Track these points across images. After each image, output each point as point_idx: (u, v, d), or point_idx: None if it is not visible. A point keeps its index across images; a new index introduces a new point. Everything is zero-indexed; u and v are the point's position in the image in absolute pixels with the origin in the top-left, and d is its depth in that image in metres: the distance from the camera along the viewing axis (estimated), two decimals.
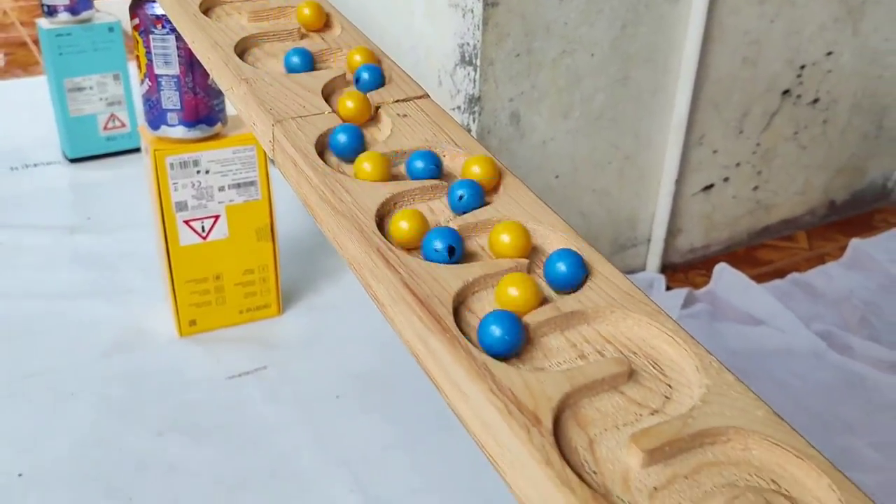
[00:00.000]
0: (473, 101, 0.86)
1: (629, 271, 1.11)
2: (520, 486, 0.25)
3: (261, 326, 0.77)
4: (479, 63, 0.83)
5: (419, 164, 0.36)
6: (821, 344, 0.88)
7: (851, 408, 0.80)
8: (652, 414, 0.27)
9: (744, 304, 0.97)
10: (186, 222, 0.70)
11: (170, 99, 0.67)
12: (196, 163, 0.69)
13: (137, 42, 0.67)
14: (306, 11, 0.48)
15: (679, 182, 1.06)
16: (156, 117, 0.68)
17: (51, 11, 0.99)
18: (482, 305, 0.30)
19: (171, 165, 0.68)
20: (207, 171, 0.69)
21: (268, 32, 0.48)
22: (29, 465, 0.62)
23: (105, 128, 1.06)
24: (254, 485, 0.61)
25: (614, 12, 0.90)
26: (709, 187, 1.12)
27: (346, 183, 0.35)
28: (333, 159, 0.38)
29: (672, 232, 1.11)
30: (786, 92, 1.13)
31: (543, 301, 0.30)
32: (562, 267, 0.30)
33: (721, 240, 1.18)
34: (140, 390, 0.69)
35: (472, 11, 0.81)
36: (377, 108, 0.41)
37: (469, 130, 0.88)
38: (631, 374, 0.28)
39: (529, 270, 0.32)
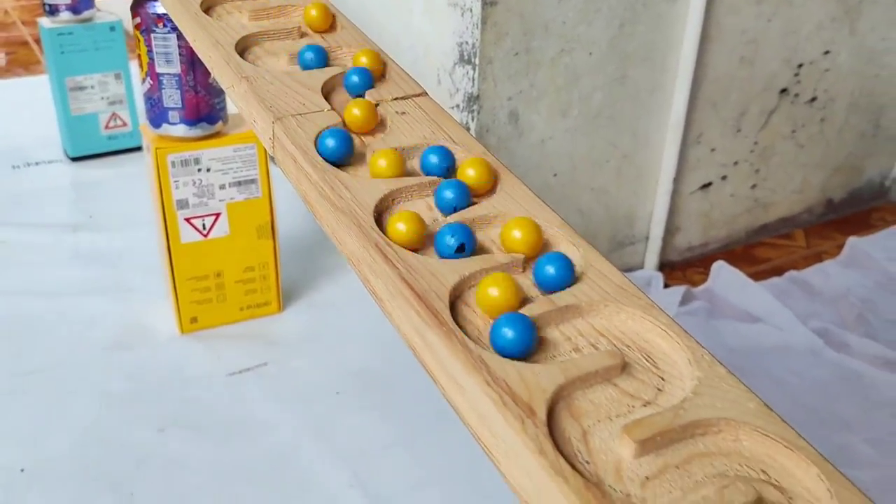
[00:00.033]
0: (472, 99, 0.86)
1: (627, 269, 1.11)
2: (514, 476, 0.26)
3: (261, 323, 0.77)
4: (477, 62, 0.84)
5: (433, 160, 0.36)
6: (818, 341, 0.89)
7: (848, 405, 0.80)
8: (644, 405, 0.28)
9: (741, 301, 0.98)
10: (187, 220, 0.71)
11: (171, 97, 0.68)
12: (197, 161, 0.69)
13: (139, 41, 0.67)
14: (313, 13, 0.48)
15: (677, 180, 1.07)
16: (157, 116, 0.69)
17: (52, 10, 0.99)
18: None
19: (173, 163, 0.69)
20: (208, 170, 0.70)
21: (268, 31, 0.49)
22: (31, 461, 0.62)
23: (106, 126, 1.06)
24: (254, 480, 0.62)
25: (612, 11, 0.90)
26: (707, 186, 1.13)
27: (344, 179, 0.35)
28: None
29: (670, 230, 1.11)
30: (783, 91, 1.13)
31: (524, 301, 0.30)
32: (550, 270, 0.31)
33: (719, 238, 1.19)
34: (141, 387, 0.70)
35: (471, 10, 0.82)
36: (376, 105, 0.42)
37: (468, 129, 0.88)
38: (624, 367, 0.29)
39: (526, 267, 0.33)
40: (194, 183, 0.70)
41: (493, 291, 0.29)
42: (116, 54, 1.03)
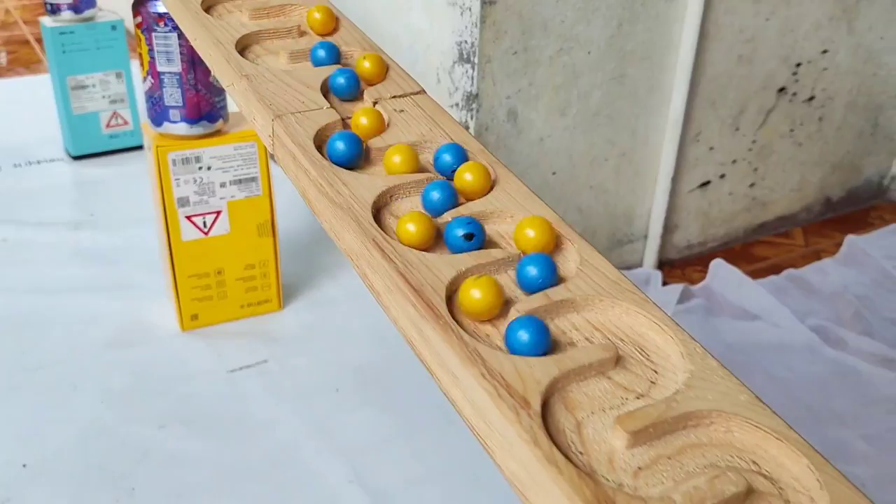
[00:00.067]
0: (471, 98, 0.87)
1: (626, 267, 1.12)
2: (509, 466, 0.26)
3: (261, 321, 0.78)
4: (476, 60, 0.84)
5: (447, 158, 0.37)
6: (815, 338, 0.89)
7: (844, 401, 0.81)
8: (638, 398, 0.28)
9: (739, 299, 0.98)
10: (188, 218, 0.71)
11: (172, 96, 0.68)
12: (198, 159, 0.70)
13: (140, 39, 0.68)
14: (317, 15, 0.48)
15: (675, 179, 1.07)
16: (158, 114, 0.69)
17: (54, 9, 1.00)
18: None
19: (174, 162, 0.69)
20: (209, 168, 0.70)
21: (268, 30, 0.49)
22: (33, 456, 0.62)
23: (108, 125, 1.07)
24: (254, 476, 0.62)
25: (611, 10, 0.91)
26: (705, 184, 1.13)
27: (343, 176, 0.36)
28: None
29: (669, 228, 1.12)
30: (781, 89, 1.13)
31: (506, 303, 0.30)
32: (532, 271, 0.31)
33: (717, 236, 1.19)
34: (142, 383, 0.70)
35: (470, 9, 0.82)
36: (374, 102, 0.42)
37: (467, 127, 0.89)
38: (618, 360, 0.29)
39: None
40: (195, 181, 0.70)
41: (475, 294, 0.29)
42: (118, 53, 1.03)
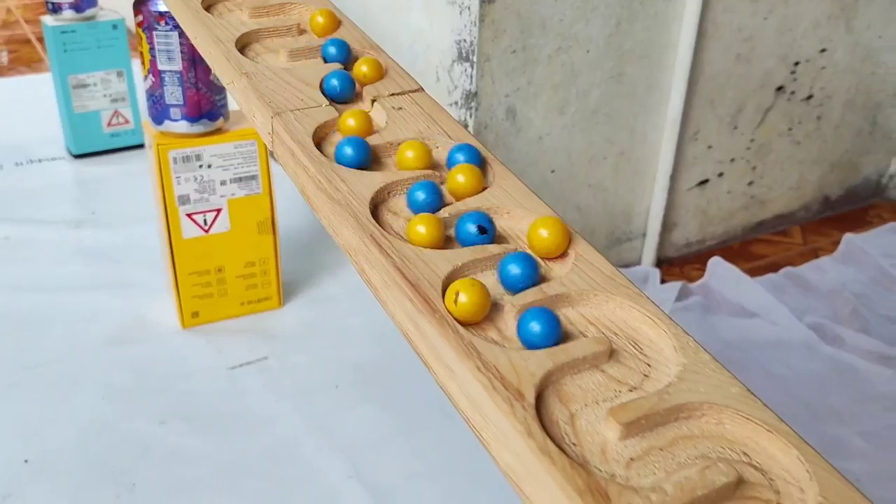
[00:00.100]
0: (470, 96, 0.87)
1: (625, 265, 1.12)
2: (504, 458, 0.26)
3: (262, 318, 0.78)
4: (475, 59, 0.84)
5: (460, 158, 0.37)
6: (812, 336, 0.90)
7: (841, 398, 0.81)
8: (631, 390, 0.28)
9: (737, 297, 0.99)
10: (189, 216, 0.72)
11: (173, 94, 0.68)
12: (198, 157, 0.70)
13: (141, 38, 0.68)
14: (319, 19, 0.49)
15: (674, 177, 1.07)
16: (159, 112, 0.70)
17: (55, 8, 1.00)
18: None
19: (174, 160, 0.69)
20: (209, 166, 0.71)
21: (268, 28, 0.49)
22: (34, 452, 0.63)
23: (109, 124, 1.07)
24: (254, 472, 0.62)
25: (609, 9, 0.91)
26: (703, 182, 1.14)
27: (341, 172, 0.36)
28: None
29: (667, 226, 1.12)
30: (780, 88, 1.14)
31: (492, 306, 0.31)
32: (514, 269, 0.31)
33: (716, 234, 1.19)
34: (143, 380, 0.71)
35: (469, 8, 0.83)
36: (373, 100, 0.43)
37: (466, 126, 0.89)
38: (612, 354, 0.30)
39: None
40: (195, 179, 0.71)
41: (462, 297, 0.29)
42: (119, 52, 1.04)
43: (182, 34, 0.66)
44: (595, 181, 1.03)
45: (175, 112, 0.69)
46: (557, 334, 0.29)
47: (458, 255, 0.32)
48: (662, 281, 1.07)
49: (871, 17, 1.17)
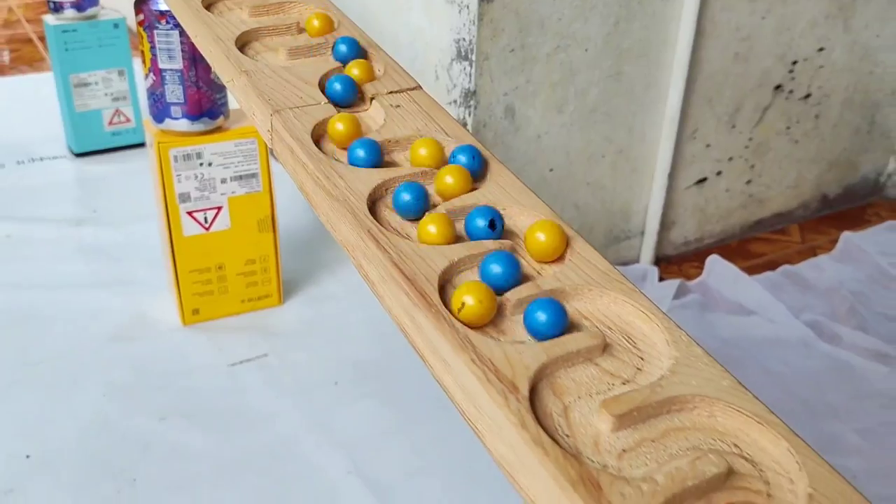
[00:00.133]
0: (469, 95, 0.87)
1: (623, 263, 1.12)
2: (498, 449, 0.27)
3: (262, 315, 0.79)
4: (474, 58, 0.85)
5: (360, 153, 0.38)
6: (810, 333, 0.90)
7: (838, 395, 0.81)
8: (624, 384, 0.29)
9: (735, 294, 0.99)
10: (189, 213, 0.72)
11: (173, 93, 0.69)
12: (199, 155, 0.71)
13: (142, 37, 0.68)
14: (315, 23, 0.49)
15: (672, 175, 1.08)
16: (160, 111, 0.70)
17: (57, 8, 1.01)
18: None
19: (175, 158, 0.70)
20: (210, 164, 0.71)
21: (267, 27, 0.50)
22: (36, 448, 0.63)
23: (110, 123, 1.07)
24: (254, 468, 0.63)
25: (607, 8, 0.92)
26: (702, 181, 1.14)
27: (339, 169, 0.36)
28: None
29: (666, 225, 1.12)
30: (778, 87, 1.14)
31: (498, 309, 0.31)
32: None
33: (714, 233, 1.20)
34: (144, 377, 0.71)
35: (468, 7, 0.83)
36: (371, 98, 0.43)
37: (465, 124, 0.90)
38: (605, 347, 0.30)
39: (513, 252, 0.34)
40: (196, 177, 0.71)
41: (469, 300, 0.30)
42: (120, 51, 1.04)
43: (183, 33, 0.66)
44: (593, 179, 1.04)
45: (176, 110, 0.69)
46: (564, 324, 0.30)
47: (454, 251, 0.33)
48: (661, 279, 1.07)
49: (869, 16, 1.17)
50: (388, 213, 0.35)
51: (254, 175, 0.73)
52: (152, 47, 0.68)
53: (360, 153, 0.37)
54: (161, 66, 0.68)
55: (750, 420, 0.27)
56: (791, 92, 1.16)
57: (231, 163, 0.72)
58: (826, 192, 1.31)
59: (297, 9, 0.53)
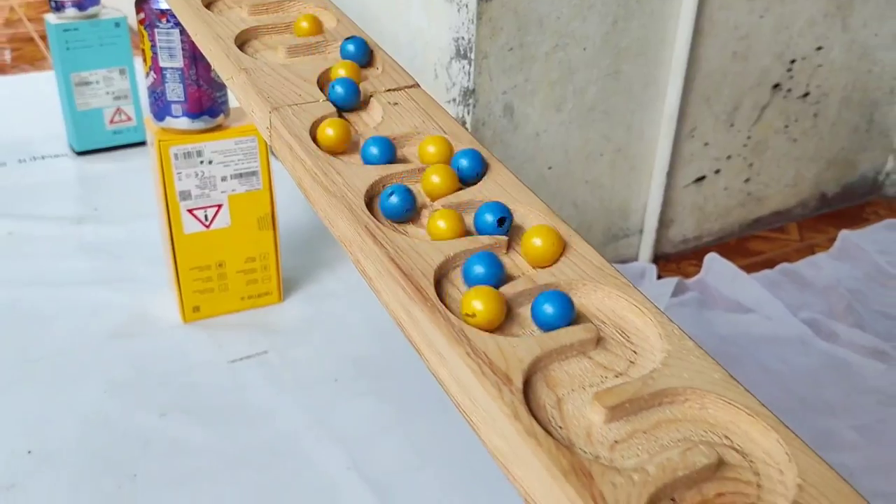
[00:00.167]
0: (468, 93, 0.88)
1: (622, 261, 1.13)
2: (492, 440, 0.27)
3: (262, 313, 0.79)
4: (473, 56, 0.85)
5: (373, 151, 0.38)
6: (807, 331, 0.90)
7: (835, 392, 0.82)
8: (617, 376, 0.29)
9: (733, 292, 1.00)
10: (190, 211, 0.72)
11: (174, 91, 0.69)
12: (199, 153, 0.71)
13: (143, 36, 0.69)
14: (304, 25, 0.49)
15: (671, 174, 1.08)
16: (160, 109, 0.70)
17: (58, 7, 1.01)
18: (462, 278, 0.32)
19: (176, 156, 0.70)
20: (210, 162, 0.72)
21: (267, 25, 0.50)
22: (38, 443, 0.64)
23: (111, 121, 1.08)
24: (254, 463, 0.63)
25: (606, 7, 0.92)
26: (700, 179, 1.14)
27: (337, 166, 0.37)
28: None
29: (664, 223, 1.13)
30: (776, 86, 1.14)
31: (508, 312, 0.31)
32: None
33: (713, 231, 1.20)
34: (144, 373, 0.71)
35: (467, 6, 0.84)
36: (370, 96, 0.44)
37: (464, 122, 0.90)
38: (599, 341, 0.30)
39: (510, 247, 0.34)
40: (196, 175, 0.71)
41: (477, 305, 0.30)
42: (121, 50, 1.05)
43: (183, 31, 0.67)
44: (592, 178, 1.04)
45: (176, 108, 0.70)
46: (571, 315, 0.30)
47: (450, 246, 0.33)
48: (659, 277, 1.07)
49: (867, 14, 1.18)
50: None
51: (254, 173, 0.73)
52: (153, 46, 0.68)
53: (374, 150, 0.38)
54: (162, 64, 0.69)
55: (741, 412, 0.28)
56: (789, 91, 1.16)
57: (231, 161, 0.72)
58: (825, 190, 1.31)
59: (296, 7, 0.53)
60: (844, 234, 1.15)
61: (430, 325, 0.30)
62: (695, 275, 1.07)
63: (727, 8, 1.03)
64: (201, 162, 0.71)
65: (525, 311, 0.32)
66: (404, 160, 0.39)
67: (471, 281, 0.31)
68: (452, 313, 0.30)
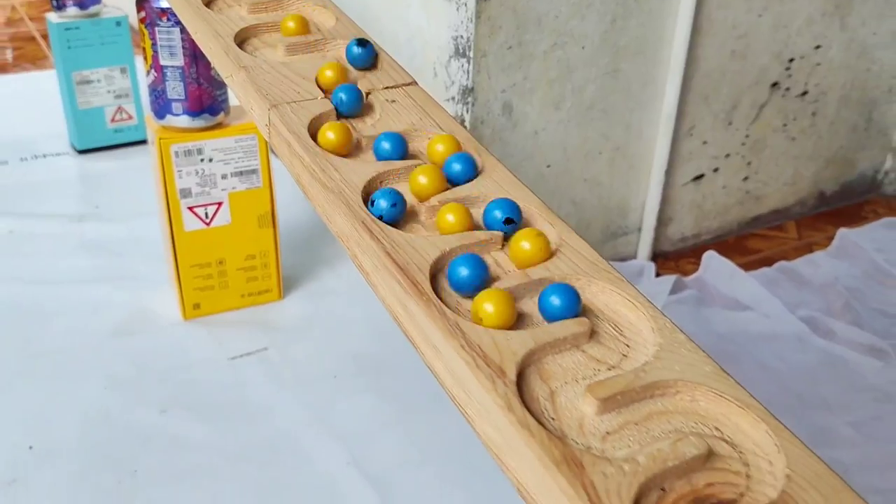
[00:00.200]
0: (467, 91, 0.88)
1: (620, 259, 1.13)
2: (486, 432, 0.28)
3: (262, 310, 0.79)
4: (472, 55, 0.86)
5: (385, 146, 0.38)
6: (805, 329, 0.91)
7: (832, 389, 0.82)
8: (609, 369, 0.30)
9: (731, 290, 1.00)
10: (190, 209, 0.73)
11: (174, 89, 0.70)
12: (200, 151, 0.71)
13: (144, 34, 0.69)
14: (291, 25, 0.50)
15: (669, 172, 1.08)
16: (161, 107, 0.71)
17: (60, 6, 1.02)
18: None
19: (176, 153, 0.71)
20: (211, 160, 0.72)
21: (266, 23, 0.51)
22: (39, 439, 0.64)
23: (112, 120, 1.08)
24: (254, 459, 0.64)
25: (604, 6, 0.92)
26: (699, 177, 1.15)
27: (335, 162, 0.37)
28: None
29: (663, 221, 1.13)
30: (774, 84, 1.15)
31: (520, 316, 0.31)
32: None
33: (711, 229, 1.20)
34: (145, 370, 0.72)
35: (466, 5, 0.84)
36: (367, 93, 0.44)
37: (463, 121, 0.90)
38: (592, 334, 0.31)
39: (504, 245, 0.35)
40: (197, 172, 0.72)
41: (488, 307, 0.30)
42: (122, 49, 1.05)
43: (184, 30, 0.67)
44: (590, 176, 1.04)
45: (177, 107, 0.70)
46: (577, 308, 0.31)
47: (446, 241, 0.33)
48: (657, 275, 1.08)
49: (866, 13, 1.18)
50: None
51: (254, 171, 0.74)
52: (154, 44, 0.69)
53: (386, 146, 0.38)
54: (162, 62, 0.69)
55: (731, 404, 0.28)
56: (788, 89, 1.17)
57: (231, 159, 0.73)
58: (823, 189, 1.31)
59: (295, 5, 0.54)
60: (843, 233, 1.15)
61: (425, 319, 0.30)
62: (693, 273, 1.08)
63: (725, 7, 1.03)
64: (202, 160, 0.72)
65: (523, 305, 0.32)
66: (416, 156, 0.40)
67: (454, 285, 0.32)
68: (447, 307, 0.31)
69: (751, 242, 1.20)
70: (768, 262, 1.11)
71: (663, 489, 0.25)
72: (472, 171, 0.38)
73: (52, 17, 1.02)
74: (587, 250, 0.34)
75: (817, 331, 0.92)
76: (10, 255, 0.88)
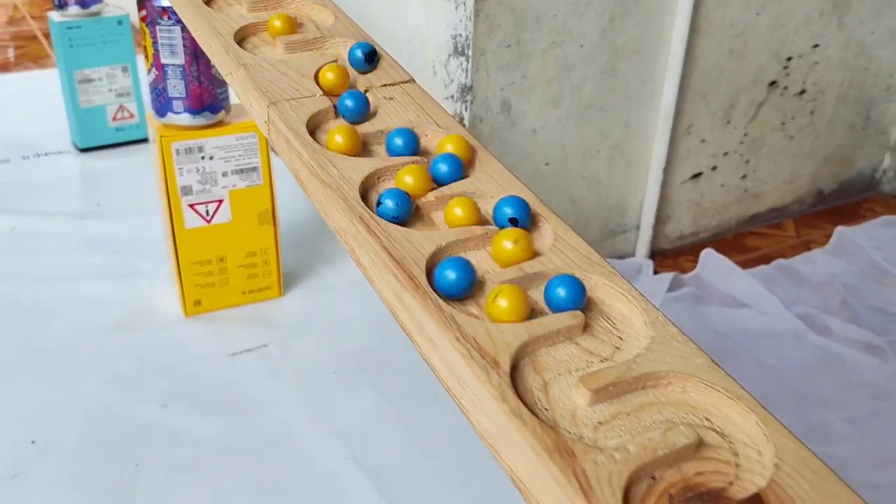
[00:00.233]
0: (466, 90, 0.89)
1: (619, 257, 1.14)
2: (480, 422, 0.28)
3: (262, 307, 0.80)
4: (471, 53, 0.86)
5: (398, 142, 0.39)
6: (801, 326, 0.91)
7: (828, 386, 0.83)
8: (602, 361, 0.30)
9: (729, 287, 1.00)
10: (191, 206, 0.73)
11: (175, 87, 0.70)
12: (200, 149, 0.72)
13: (145, 33, 0.70)
14: (277, 24, 0.50)
15: (667, 170, 1.09)
16: (162, 105, 0.71)
17: (61, 4, 1.02)
18: None
19: (177, 151, 0.71)
20: (211, 157, 0.73)
21: (266, 21, 0.51)
22: (41, 434, 0.65)
23: (114, 118, 1.09)
24: (253, 454, 0.64)
25: (603, 5, 0.93)
26: (697, 176, 1.15)
27: (333, 158, 0.38)
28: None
29: (661, 219, 1.13)
30: (772, 83, 1.15)
31: (533, 312, 0.31)
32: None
33: (709, 227, 1.21)
34: (146, 366, 0.72)
35: (465, 3, 0.84)
36: (366, 91, 0.45)
37: (462, 119, 0.91)
38: (585, 327, 0.31)
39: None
40: (198, 170, 0.72)
41: (502, 303, 0.31)
42: (124, 48, 1.06)
43: (184, 28, 0.68)
44: (589, 174, 1.05)
45: (178, 105, 0.71)
46: (582, 302, 0.31)
47: (442, 236, 0.34)
48: (655, 272, 1.08)
49: (864, 12, 1.18)
50: None
51: (254, 169, 0.74)
52: (154, 43, 0.69)
53: (398, 141, 0.39)
54: (163, 61, 0.70)
55: (721, 395, 0.29)
56: (786, 88, 1.17)
57: (232, 156, 0.73)
58: (821, 187, 1.32)
59: (294, 4, 0.54)
60: (840, 231, 1.16)
61: (421, 312, 0.31)
62: (691, 270, 1.08)
63: (723, 6, 1.04)
64: (202, 157, 0.72)
65: None
66: (426, 153, 0.40)
67: (440, 288, 0.32)
68: (442, 300, 0.31)
69: (749, 240, 1.21)
70: (766, 259, 1.11)
71: (653, 477, 0.26)
72: (459, 172, 0.38)
73: (54, 15, 1.03)
74: (581, 245, 0.35)
75: (814, 328, 0.92)
76: (12, 252, 0.89)
